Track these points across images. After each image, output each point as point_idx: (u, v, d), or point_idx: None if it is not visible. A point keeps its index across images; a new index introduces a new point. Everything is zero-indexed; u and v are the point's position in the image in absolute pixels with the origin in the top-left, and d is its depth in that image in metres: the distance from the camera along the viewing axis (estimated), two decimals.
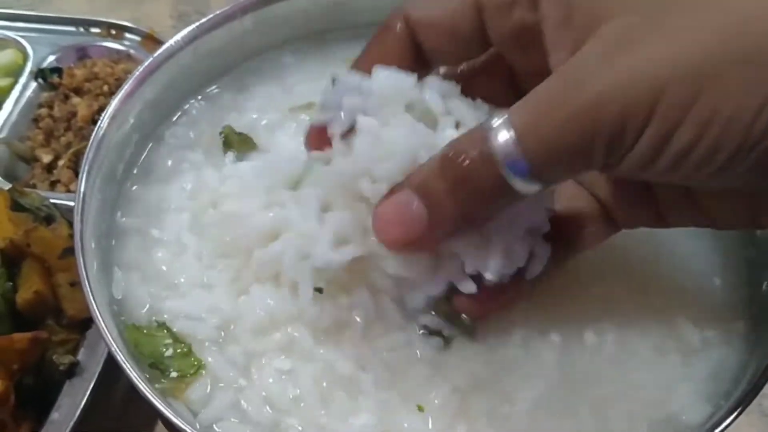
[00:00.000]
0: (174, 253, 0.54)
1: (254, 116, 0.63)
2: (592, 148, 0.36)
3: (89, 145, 0.53)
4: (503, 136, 0.37)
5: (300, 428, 0.47)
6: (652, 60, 0.35)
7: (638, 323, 0.51)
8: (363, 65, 0.47)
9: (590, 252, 0.49)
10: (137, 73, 0.58)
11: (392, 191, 0.42)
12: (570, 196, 0.49)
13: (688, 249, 0.55)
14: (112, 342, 0.45)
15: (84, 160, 0.54)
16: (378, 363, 0.48)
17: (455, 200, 0.40)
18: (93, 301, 0.47)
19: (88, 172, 0.54)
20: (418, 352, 0.49)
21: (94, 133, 0.54)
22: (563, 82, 0.37)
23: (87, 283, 0.48)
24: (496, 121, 0.38)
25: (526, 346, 0.50)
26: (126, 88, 0.57)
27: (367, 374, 0.48)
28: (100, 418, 0.68)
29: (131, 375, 0.44)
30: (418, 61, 0.47)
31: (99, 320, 0.46)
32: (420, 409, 0.47)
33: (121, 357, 0.45)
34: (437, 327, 0.49)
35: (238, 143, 0.60)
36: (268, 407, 0.48)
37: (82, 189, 0.53)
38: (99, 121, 0.54)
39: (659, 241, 0.54)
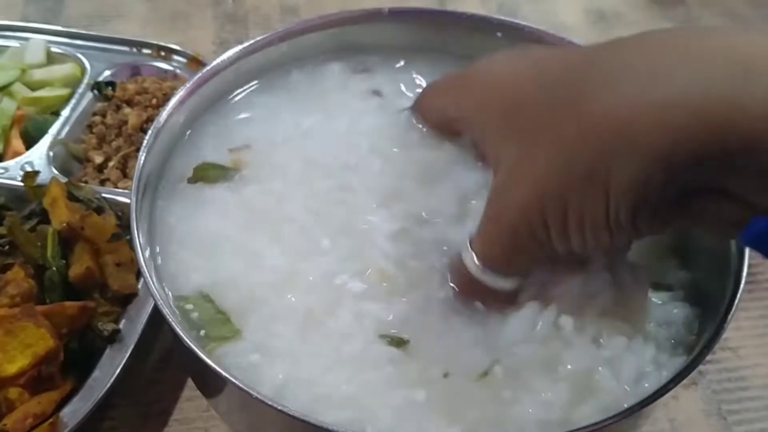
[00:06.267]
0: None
1: None
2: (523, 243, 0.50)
3: (147, 138, 0.62)
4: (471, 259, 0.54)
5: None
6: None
7: None
8: None
9: None
10: (188, 84, 0.68)
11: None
12: None
13: None
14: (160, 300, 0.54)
15: (142, 149, 0.61)
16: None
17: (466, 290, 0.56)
18: (147, 274, 0.55)
19: (143, 165, 0.63)
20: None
21: (151, 129, 0.63)
22: (490, 209, 0.52)
23: (141, 257, 0.56)
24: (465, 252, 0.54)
25: None
26: (179, 95, 0.66)
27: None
28: (134, 381, 0.77)
29: (176, 329, 0.53)
30: None
31: (150, 283, 0.55)
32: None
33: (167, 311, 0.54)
34: None
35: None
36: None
37: (137, 178, 0.62)
38: (159, 114, 0.63)
39: None
